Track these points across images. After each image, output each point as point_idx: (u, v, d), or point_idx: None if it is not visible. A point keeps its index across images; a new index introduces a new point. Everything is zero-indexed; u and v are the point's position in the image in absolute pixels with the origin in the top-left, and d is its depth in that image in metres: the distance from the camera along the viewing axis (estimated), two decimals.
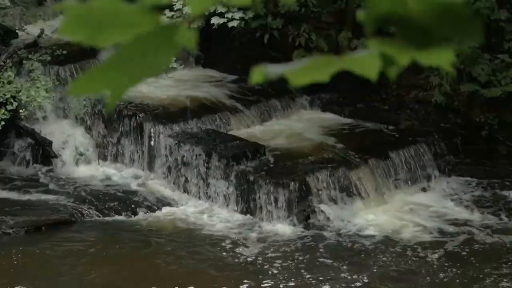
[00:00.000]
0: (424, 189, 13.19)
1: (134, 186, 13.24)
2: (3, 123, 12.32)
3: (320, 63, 1.30)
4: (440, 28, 1.38)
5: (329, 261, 11.08)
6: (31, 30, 14.65)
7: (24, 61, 13.63)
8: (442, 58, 1.36)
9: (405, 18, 1.36)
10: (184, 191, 12.97)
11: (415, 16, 1.37)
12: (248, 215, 12.31)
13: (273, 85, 14.05)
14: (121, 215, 12.48)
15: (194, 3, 1.34)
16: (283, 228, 12.01)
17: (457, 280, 10.60)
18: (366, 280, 10.57)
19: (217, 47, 15.45)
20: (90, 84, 1.32)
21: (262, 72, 1.33)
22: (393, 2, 1.35)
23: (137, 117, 13.57)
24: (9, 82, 12.74)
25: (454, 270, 10.84)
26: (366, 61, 1.30)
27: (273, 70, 1.32)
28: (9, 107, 12.47)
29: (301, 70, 1.30)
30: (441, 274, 10.74)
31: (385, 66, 1.32)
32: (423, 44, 1.36)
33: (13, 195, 12.84)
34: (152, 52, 1.35)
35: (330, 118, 14.50)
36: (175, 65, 13.04)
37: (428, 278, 10.66)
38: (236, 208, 12.45)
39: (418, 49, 1.36)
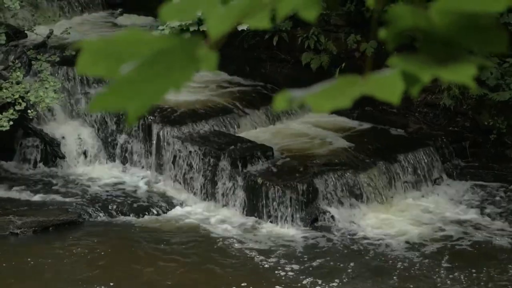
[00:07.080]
0: (432, 193, 13.16)
1: (142, 187, 13.24)
2: (11, 123, 12.31)
3: (342, 86, 1.27)
4: (465, 40, 1.36)
5: (337, 264, 11.07)
6: (40, 31, 14.65)
7: (33, 62, 13.63)
8: (464, 74, 1.35)
9: (429, 33, 1.34)
10: (192, 193, 12.96)
11: (439, 30, 1.35)
12: (255, 217, 12.30)
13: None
14: (129, 216, 12.48)
15: (213, 27, 1.33)
16: (291, 230, 11.99)
17: (464, 283, 10.57)
18: (373, 282, 10.55)
19: (225, 49, 15.43)
20: (113, 99, 1.30)
21: (286, 98, 1.31)
22: (416, 16, 1.33)
23: (146, 119, 13.56)
24: (18, 83, 12.72)
25: (460, 272, 10.81)
26: (388, 83, 1.27)
27: (297, 95, 1.30)
28: (17, 107, 12.46)
29: (323, 95, 1.27)
30: (448, 276, 10.71)
31: (408, 85, 1.30)
32: (446, 58, 1.34)
33: (21, 196, 12.84)
34: (174, 66, 1.33)
35: (339, 120, 14.47)
36: None
37: (436, 280, 10.64)
38: (243, 210, 12.43)
39: (441, 64, 1.34)
